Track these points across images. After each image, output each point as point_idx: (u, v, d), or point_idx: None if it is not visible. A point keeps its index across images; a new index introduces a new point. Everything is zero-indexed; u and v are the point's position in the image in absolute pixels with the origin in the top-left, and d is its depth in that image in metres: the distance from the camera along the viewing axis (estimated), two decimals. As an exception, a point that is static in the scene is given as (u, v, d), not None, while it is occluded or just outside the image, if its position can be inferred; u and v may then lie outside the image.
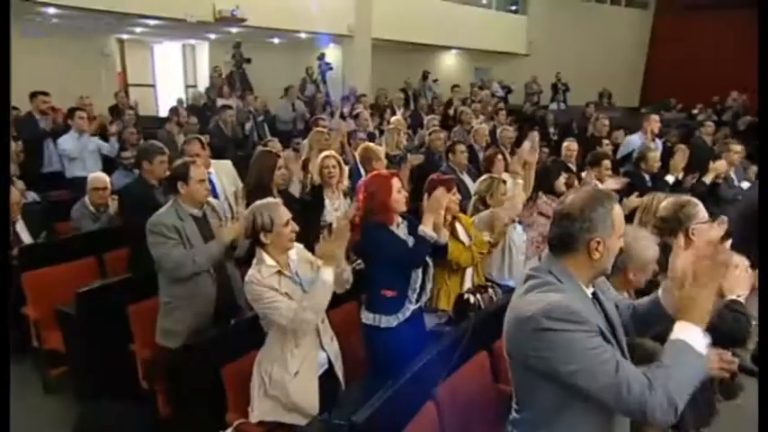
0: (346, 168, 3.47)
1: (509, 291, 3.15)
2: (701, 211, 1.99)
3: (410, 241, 2.50)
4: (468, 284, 2.96)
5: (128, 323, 2.86)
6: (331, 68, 10.35)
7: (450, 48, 12.74)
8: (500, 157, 4.45)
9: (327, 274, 1.99)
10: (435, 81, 11.80)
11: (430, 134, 5.25)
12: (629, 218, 4.07)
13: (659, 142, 5.74)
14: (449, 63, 13.35)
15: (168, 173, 3.22)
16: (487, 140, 5.64)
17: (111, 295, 2.90)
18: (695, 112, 11.32)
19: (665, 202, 2.10)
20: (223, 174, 3.33)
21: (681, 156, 4.21)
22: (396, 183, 2.47)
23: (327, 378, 2.23)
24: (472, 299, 2.85)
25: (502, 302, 2.87)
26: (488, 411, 2.59)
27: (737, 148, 4.52)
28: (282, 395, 2.05)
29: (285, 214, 2.09)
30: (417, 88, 10.72)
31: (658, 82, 13.81)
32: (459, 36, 11.96)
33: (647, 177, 4.23)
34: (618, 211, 1.32)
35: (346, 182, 3.42)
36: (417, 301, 2.58)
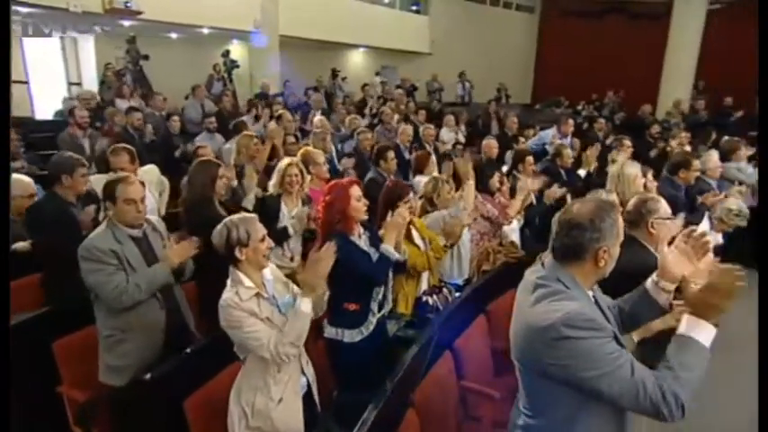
0: (308, 177, 3.37)
1: (459, 289, 3.29)
2: (663, 206, 2.19)
3: (372, 252, 2.48)
4: (424, 286, 3.02)
5: (53, 362, 2.51)
6: (237, 66, 9.87)
7: (357, 46, 12.79)
8: (432, 158, 4.57)
9: (306, 304, 1.89)
10: (344, 79, 11.79)
11: (358, 135, 5.23)
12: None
13: (568, 139, 6.27)
14: (356, 61, 13.40)
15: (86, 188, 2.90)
16: (410, 140, 5.76)
17: (29, 332, 2.52)
18: (579, 108, 12.56)
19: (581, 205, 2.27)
20: (153, 185, 3.04)
21: (593, 152, 4.65)
22: (354, 191, 2.43)
23: (304, 401, 2.15)
24: (431, 300, 2.92)
25: (458, 302, 2.98)
26: (458, 409, 2.68)
27: (629, 143, 5.09)
28: (266, 425, 1.93)
29: (261, 229, 1.98)
30: (328, 87, 10.62)
31: (547, 81, 15.10)
32: (365, 34, 12.07)
33: (562, 172, 4.61)
34: (621, 220, 1.41)
35: (307, 189, 3.33)
36: (380, 310, 2.57)
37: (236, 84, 9.90)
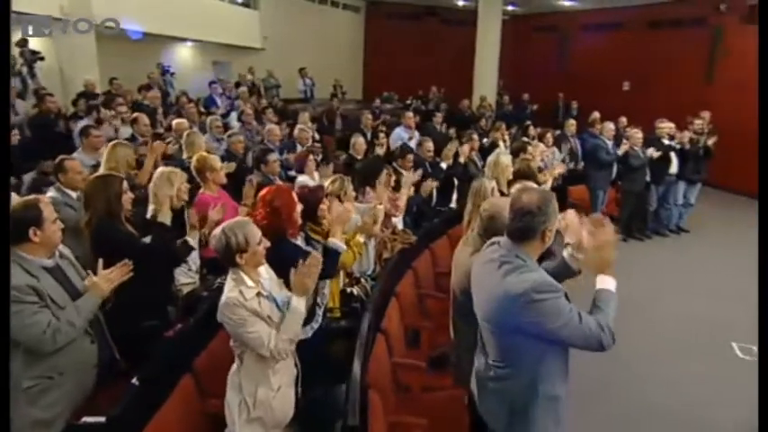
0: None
1: (371, 277, 3.58)
2: None
3: (311, 251, 2.61)
4: (341, 280, 3.22)
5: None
6: (41, 58, 8.36)
7: (184, 39, 11.87)
8: (311, 157, 4.72)
9: (300, 303, 2.04)
10: (172, 75, 10.93)
11: (229, 137, 5.07)
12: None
13: (417, 133, 6.98)
14: (184, 56, 12.42)
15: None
16: (280, 139, 5.78)
17: None
18: (408, 102, 13.73)
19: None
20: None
21: (452, 147, 5.34)
22: (295, 197, 2.53)
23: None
24: (355, 291, 3.15)
25: (378, 290, 3.26)
26: (391, 383, 2.98)
27: (476, 136, 5.98)
28: (267, 415, 2.03)
29: (258, 232, 2.03)
30: (160, 84, 9.72)
31: (375, 77, 16.06)
32: (193, 27, 11.28)
33: (427, 164, 5.21)
34: (557, 204, 1.82)
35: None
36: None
37: (40, 80, 8.39)
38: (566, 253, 2.00)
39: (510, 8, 13.78)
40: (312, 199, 2.89)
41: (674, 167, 6.83)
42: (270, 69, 12.38)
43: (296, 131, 5.78)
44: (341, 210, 2.67)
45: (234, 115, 7.58)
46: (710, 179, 7.64)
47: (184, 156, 4.58)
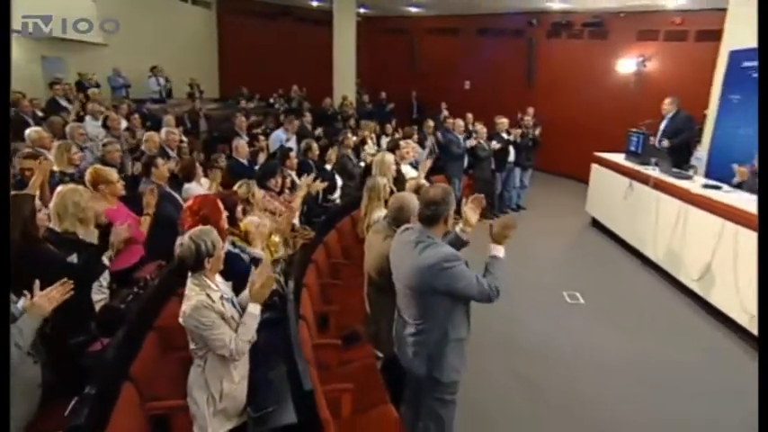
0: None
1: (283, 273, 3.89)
2: None
3: (242, 256, 2.87)
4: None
5: None
6: None
7: (3, 30, 10.24)
8: (197, 164, 4.77)
9: (256, 308, 2.25)
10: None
11: (104, 146, 4.82)
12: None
13: (294, 135, 7.25)
14: (4, 49, 10.71)
15: None
16: (157, 146, 5.62)
17: None
18: (272, 101, 13.70)
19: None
20: None
21: (335, 150, 5.78)
22: (221, 205, 2.75)
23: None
24: (275, 285, 3.45)
25: (292, 283, 3.59)
26: (315, 361, 3.37)
27: (351, 134, 6.51)
28: (231, 404, 2.25)
29: (219, 238, 2.19)
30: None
31: (231, 75, 15.59)
32: (14, 17, 9.81)
33: (313, 165, 5.59)
34: (454, 196, 2.40)
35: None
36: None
37: None
38: (458, 228, 2.62)
39: (362, 10, 14.56)
40: (230, 203, 3.12)
41: (511, 156, 8.23)
42: (116, 68, 11.35)
43: (163, 135, 5.64)
44: (260, 226, 2.97)
45: (89, 120, 6.98)
46: (537, 165, 9.33)
47: (55, 168, 4.30)
